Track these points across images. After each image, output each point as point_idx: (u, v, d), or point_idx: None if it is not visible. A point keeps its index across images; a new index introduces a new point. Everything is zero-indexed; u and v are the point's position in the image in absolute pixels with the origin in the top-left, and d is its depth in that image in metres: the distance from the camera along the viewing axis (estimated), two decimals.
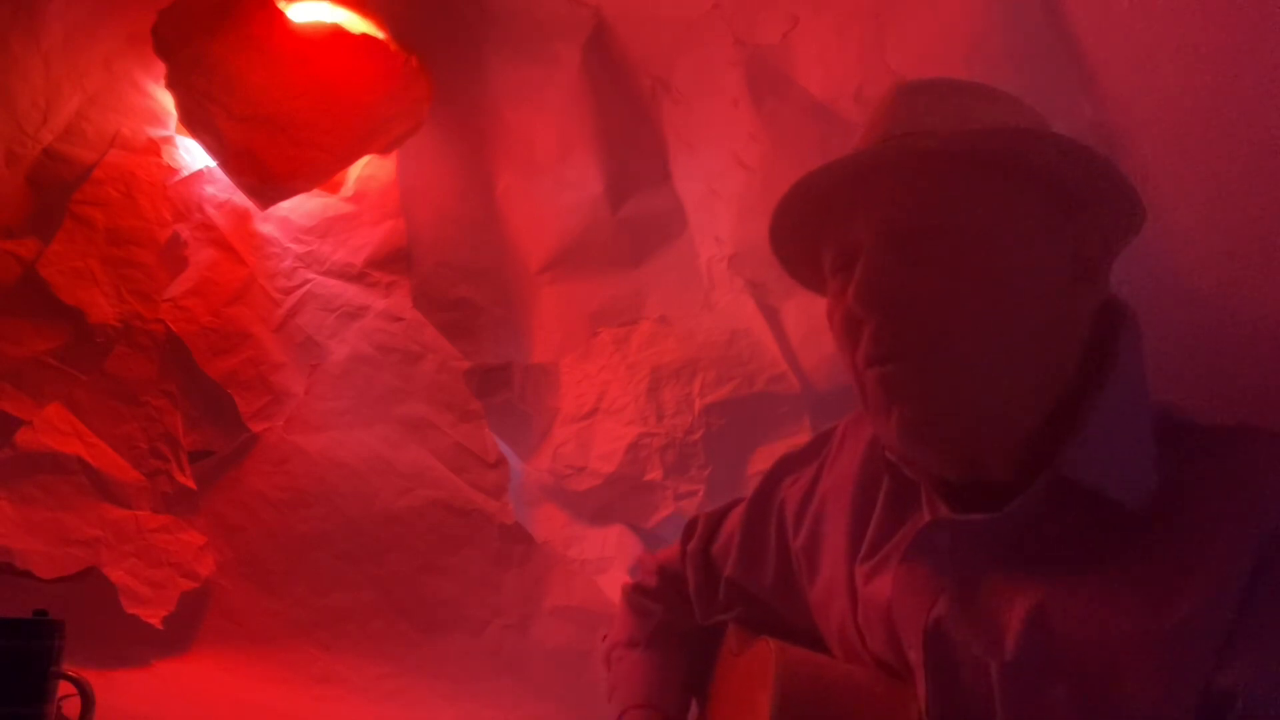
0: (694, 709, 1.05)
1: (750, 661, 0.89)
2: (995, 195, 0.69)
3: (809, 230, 0.78)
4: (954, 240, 0.68)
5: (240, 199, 2.08)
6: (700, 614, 1.04)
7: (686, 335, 1.99)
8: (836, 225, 0.74)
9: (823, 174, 0.73)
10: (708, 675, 1.05)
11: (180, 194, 2.07)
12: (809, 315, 1.85)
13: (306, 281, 2.13)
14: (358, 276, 2.15)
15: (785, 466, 0.98)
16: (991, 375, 0.67)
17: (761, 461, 1.87)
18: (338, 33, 1.95)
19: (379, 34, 2.00)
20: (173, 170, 2.08)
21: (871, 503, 0.82)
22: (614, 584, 1.92)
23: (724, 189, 1.88)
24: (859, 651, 0.80)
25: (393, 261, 2.16)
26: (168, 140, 2.09)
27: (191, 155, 2.10)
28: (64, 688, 1.09)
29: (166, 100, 2.02)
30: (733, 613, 1.00)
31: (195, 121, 1.97)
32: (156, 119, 2.09)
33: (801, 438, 1.83)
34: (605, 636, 1.14)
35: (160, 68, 1.92)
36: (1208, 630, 0.58)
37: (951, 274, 0.68)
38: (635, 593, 1.11)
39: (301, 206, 2.16)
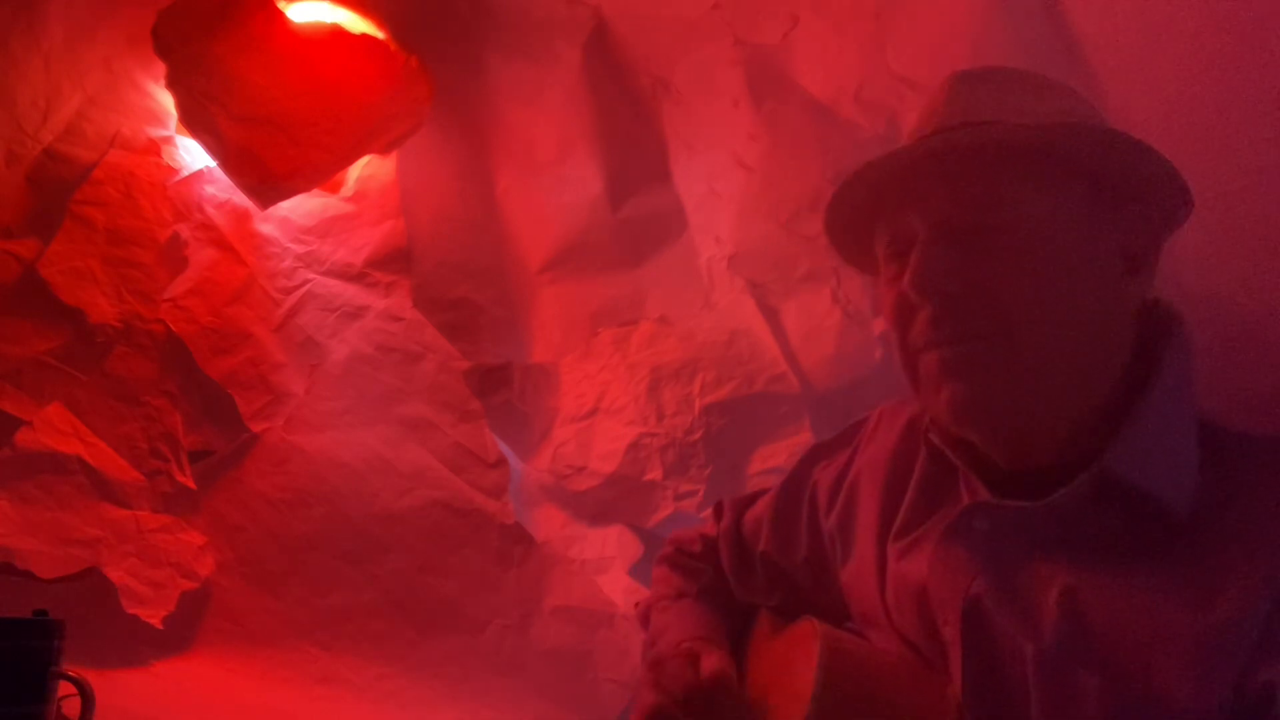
0: None
1: (790, 643, 0.89)
2: (1047, 190, 0.71)
3: (862, 216, 0.81)
4: (1007, 234, 0.70)
5: (240, 199, 2.08)
6: (738, 590, 1.05)
7: (686, 335, 1.99)
8: (890, 214, 0.77)
9: (880, 165, 0.75)
10: (741, 657, 1.05)
11: (180, 194, 2.06)
12: (809, 315, 1.85)
13: (306, 281, 2.12)
14: (358, 276, 2.15)
15: (818, 453, 1.01)
16: (1044, 363, 0.70)
17: (761, 461, 1.87)
18: (338, 33, 1.94)
19: (379, 34, 2.00)
20: (173, 170, 2.07)
21: (904, 485, 0.84)
22: (614, 584, 1.92)
23: (724, 189, 1.88)
24: (884, 629, 0.82)
25: (393, 261, 2.16)
26: (168, 140, 2.09)
27: (191, 155, 2.10)
28: (64, 688, 1.09)
29: (166, 100, 2.01)
30: (773, 599, 1.01)
31: (195, 121, 1.96)
32: (156, 119, 2.08)
33: (801, 438, 1.83)
34: (638, 604, 1.13)
35: (160, 68, 1.92)
36: (1243, 632, 0.60)
37: (1004, 265, 0.70)
38: (681, 555, 1.11)
39: (301, 206, 2.16)
